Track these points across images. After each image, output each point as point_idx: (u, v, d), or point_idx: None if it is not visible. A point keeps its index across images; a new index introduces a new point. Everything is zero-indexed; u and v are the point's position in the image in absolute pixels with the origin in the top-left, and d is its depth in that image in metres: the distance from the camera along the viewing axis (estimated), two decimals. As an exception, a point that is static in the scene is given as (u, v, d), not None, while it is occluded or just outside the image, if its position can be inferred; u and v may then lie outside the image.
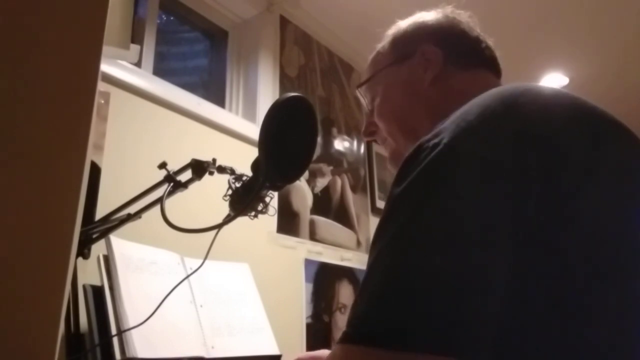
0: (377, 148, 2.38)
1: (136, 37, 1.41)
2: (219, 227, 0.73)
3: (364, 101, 0.85)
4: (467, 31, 0.76)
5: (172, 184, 0.83)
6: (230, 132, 1.63)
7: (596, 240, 0.44)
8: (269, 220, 1.66)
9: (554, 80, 2.60)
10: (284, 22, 2.03)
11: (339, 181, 2.11)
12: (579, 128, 0.49)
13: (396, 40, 0.80)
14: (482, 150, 0.45)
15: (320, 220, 1.93)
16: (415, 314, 0.39)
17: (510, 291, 0.41)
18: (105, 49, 0.50)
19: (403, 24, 0.81)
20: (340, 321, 1.87)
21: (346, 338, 0.42)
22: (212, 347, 0.99)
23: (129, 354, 0.83)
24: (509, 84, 0.55)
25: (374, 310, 0.42)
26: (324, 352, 0.91)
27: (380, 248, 0.45)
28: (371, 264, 0.45)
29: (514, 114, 0.48)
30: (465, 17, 0.78)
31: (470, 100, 0.51)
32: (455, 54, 0.74)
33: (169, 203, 0.78)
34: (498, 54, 0.77)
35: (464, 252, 0.41)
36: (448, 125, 0.48)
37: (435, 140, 0.47)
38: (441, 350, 0.38)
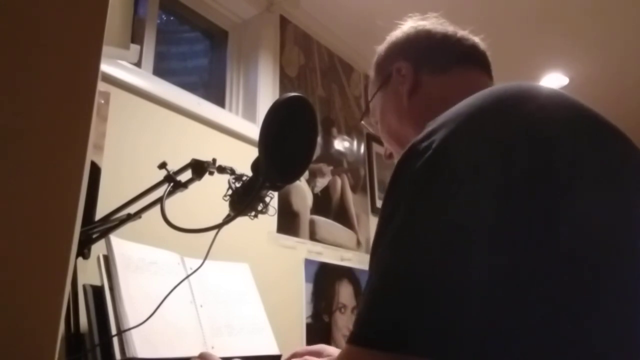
0: (377, 148, 2.38)
1: (136, 37, 1.41)
2: (219, 227, 0.73)
3: (372, 129, 0.90)
4: (436, 33, 0.77)
5: (172, 184, 0.83)
6: (230, 132, 1.63)
7: (592, 240, 0.44)
8: (269, 220, 1.66)
9: (554, 80, 2.60)
10: (284, 22, 2.02)
11: (339, 181, 2.11)
12: (575, 128, 0.49)
13: (377, 66, 0.84)
14: (474, 152, 0.45)
15: (320, 220, 1.93)
16: (407, 318, 0.41)
17: (507, 291, 0.41)
18: (105, 49, 0.50)
19: (380, 48, 0.84)
20: (340, 321, 1.87)
21: (350, 339, 0.44)
22: (212, 347, 0.99)
23: (129, 354, 0.83)
24: (502, 83, 0.55)
25: (372, 313, 0.43)
26: (322, 347, 0.91)
27: (380, 251, 0.46)
28: (372, 266, 0.46)
29: (507, 114, 0.48)
30: (433, 22, 0.79)
31: (462, 101, 0.51)
32: (426, 60, 0.76)
33: (169, 203, 0.78)
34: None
35: (457, 257, 0.41)
36: (439, 126, 0.48)
37: (426, 143, 0.47)
38: (426, 353, 0.39)
